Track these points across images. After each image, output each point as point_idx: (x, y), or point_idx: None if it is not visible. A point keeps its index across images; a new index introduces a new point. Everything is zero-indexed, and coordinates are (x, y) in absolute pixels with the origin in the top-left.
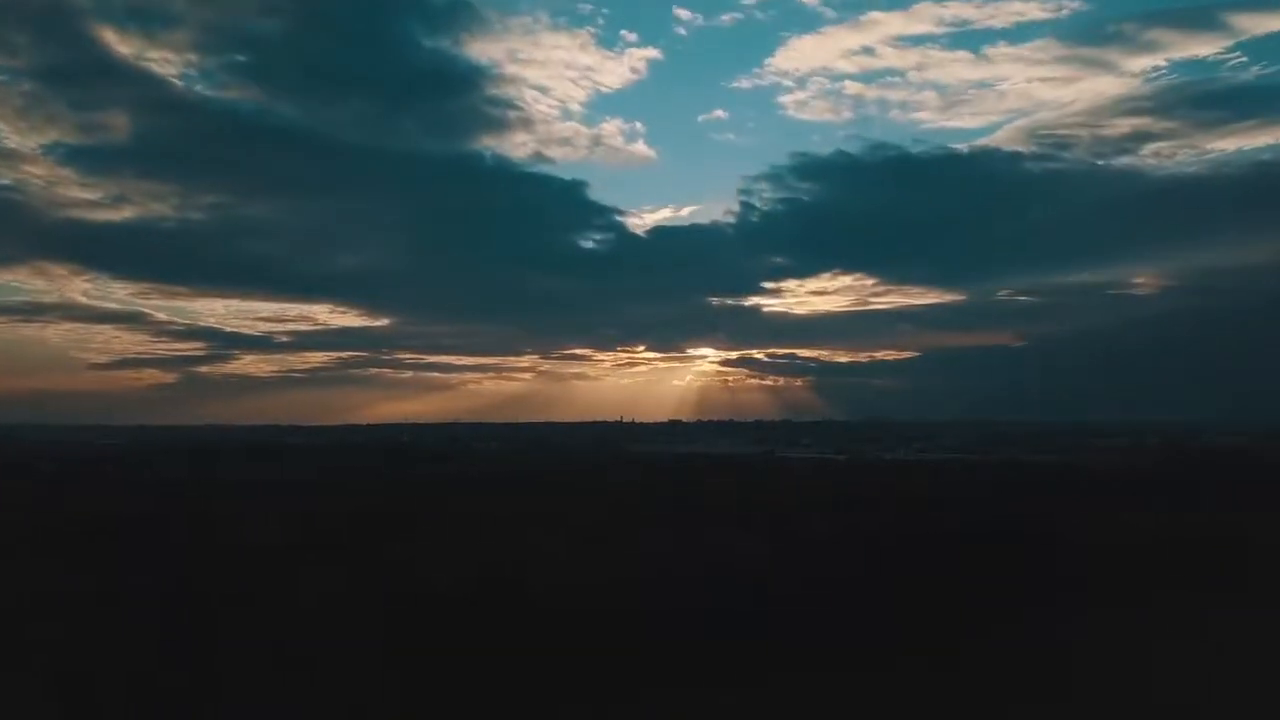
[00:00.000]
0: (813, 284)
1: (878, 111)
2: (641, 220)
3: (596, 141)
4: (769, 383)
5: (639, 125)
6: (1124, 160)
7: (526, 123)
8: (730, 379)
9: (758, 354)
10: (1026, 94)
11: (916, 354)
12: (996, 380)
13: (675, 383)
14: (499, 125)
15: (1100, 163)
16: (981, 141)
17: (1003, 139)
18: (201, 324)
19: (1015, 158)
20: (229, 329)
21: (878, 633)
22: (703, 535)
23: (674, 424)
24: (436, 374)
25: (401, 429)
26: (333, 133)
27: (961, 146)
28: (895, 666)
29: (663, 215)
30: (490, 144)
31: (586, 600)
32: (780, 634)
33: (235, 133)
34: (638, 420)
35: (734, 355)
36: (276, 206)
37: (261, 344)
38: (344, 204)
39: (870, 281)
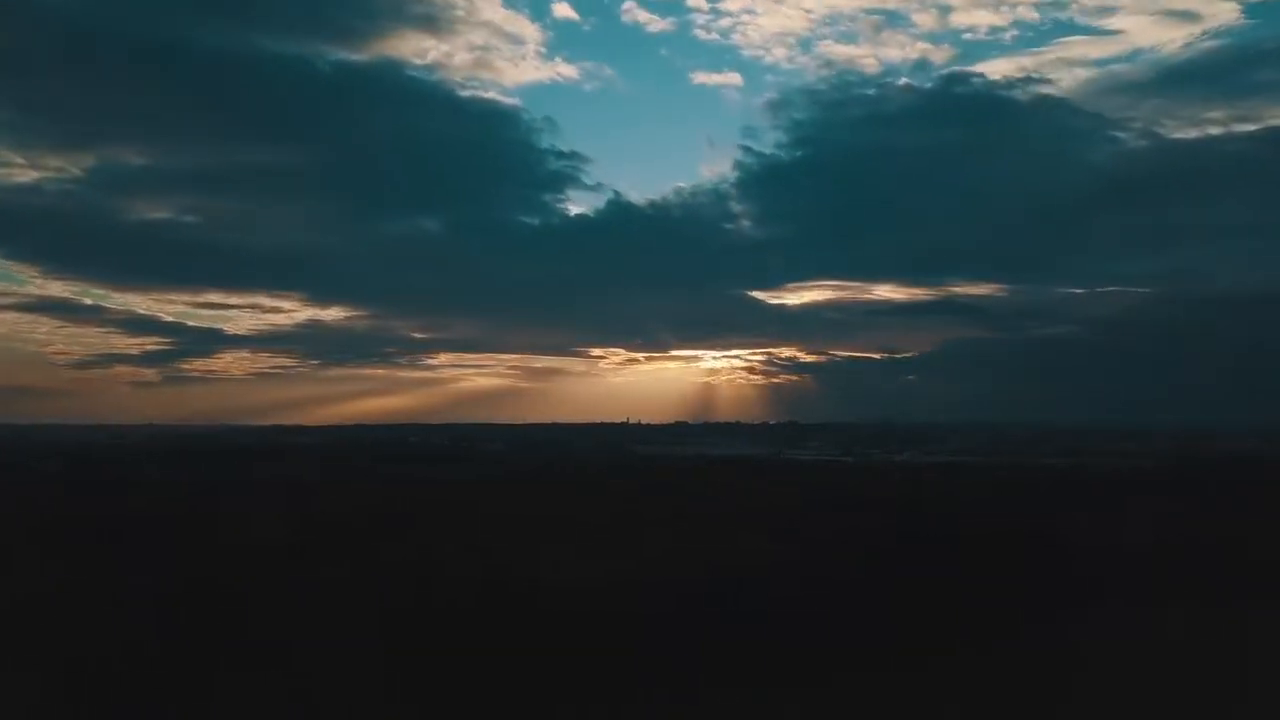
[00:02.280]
0: (828, 270)
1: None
2: (619, 177)
3: (546, 50)
4: (777, 381)
5: (588, 25)
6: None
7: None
8: (737, 378)
9: (766, 351)
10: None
11: (936, 351)
12: (1024, 380)
13: (681, 382)
14: (418, 19)
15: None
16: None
17: (1089, 87)
18: (141, 313)
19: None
20: (167, 317)
21: (879, 634)
22: (705, 536)
23: (680, 425)
24: (422, 373)
25: (393, 429)
26: (195, 36)
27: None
28: (896, 668)
29: (642, 165)
30: (411, 49)
31: (587, 601)
32: (781, 635)
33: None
34: (643, 421)
35: (742, 353)
36: (153, 152)
37: (213, 338)
38: (242, 149)
39: (899, 268)
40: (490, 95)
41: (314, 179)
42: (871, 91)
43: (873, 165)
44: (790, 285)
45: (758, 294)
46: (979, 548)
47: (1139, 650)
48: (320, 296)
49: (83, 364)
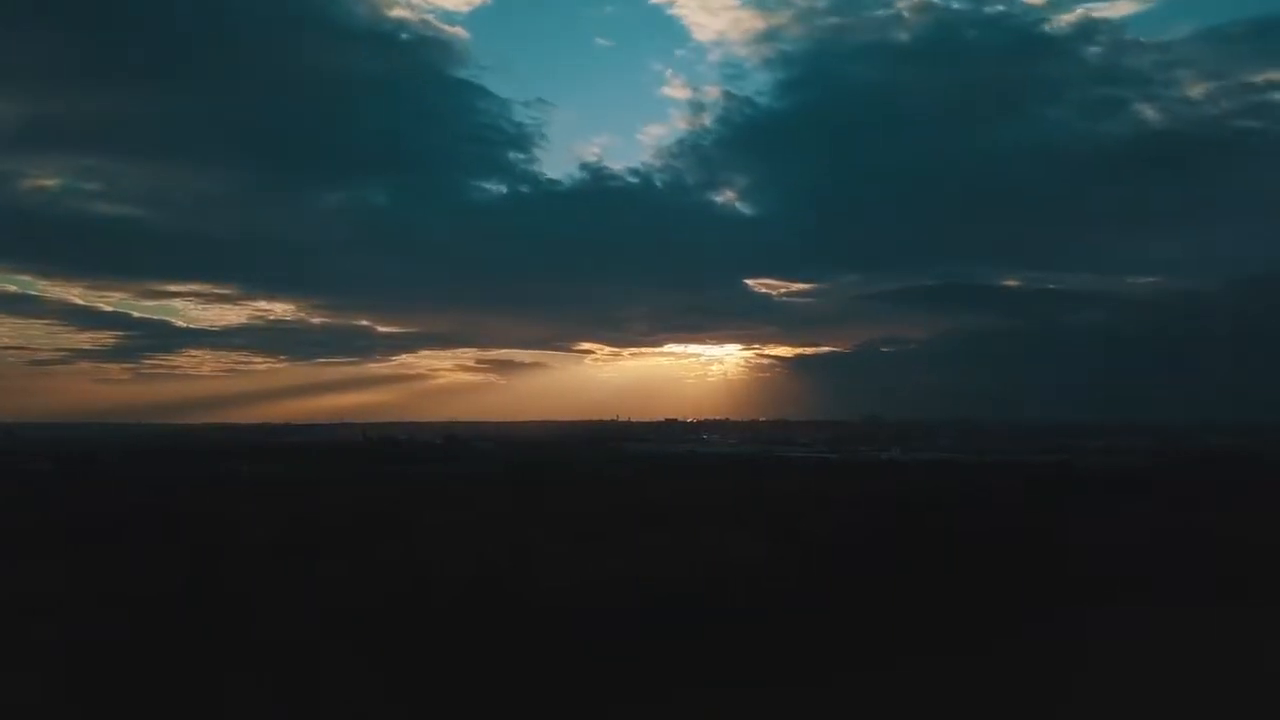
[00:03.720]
0: (818, 253)
1: None
2: (583, 126)
3: None
4: (768, 377)
5: None
6: None
7: None
8: (728, 374)
9: (757, 346)
10: None
11: (936, 347)
12: (1030, 376)
13: (671, 379)
14: None
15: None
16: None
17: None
18: (78, 303)
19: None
20: (106, 307)
21: (876, 633)
22: (699, 534)
23: (671, 423)
24: (392, 369)
25: (368, 428)
26: None
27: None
28: (893, 667)
29: (605, 108)
30: None
31: (582, 600)
32: (779, 634)
33: None
34: (632, 419)
35: (734, 347)
36: (21, 99)
37: (162, 331)
38: (132, 93)
39: (899, 250)
40: (425, 19)
41: (228, 133)
42: (880, 12)
43: (876, 116)
44: (781, 271)
45: (749, 282)
46: (974, 546)
47: (1138, 649)
48: (264, 287)
49: (39, 361)
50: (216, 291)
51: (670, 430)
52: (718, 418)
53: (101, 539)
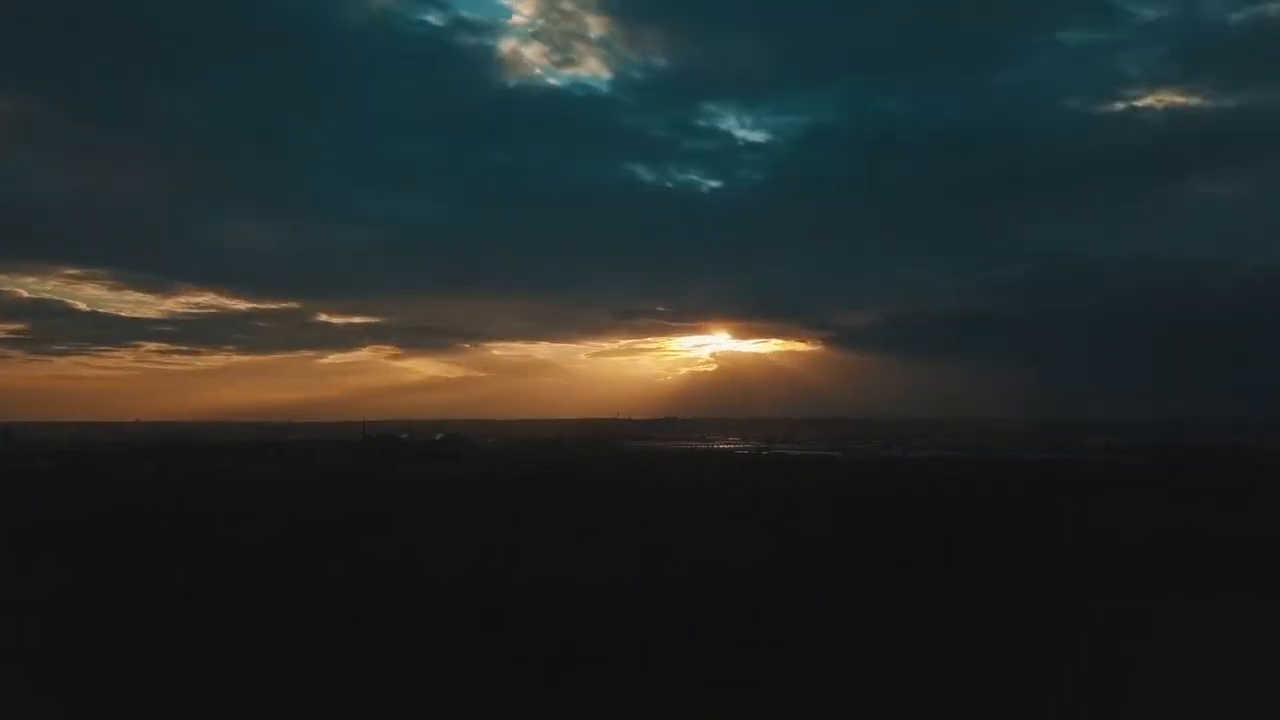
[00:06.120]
0: (819, 230)
1: None
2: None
3: None
4: (766, 374)
5: None
6: None
7: None
8: (725, 371)
9: (756, 340)
10: None
11: (938, 343)
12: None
13: (671, 374)
14: None
15: None
16: None
17: None
18: None
19: None
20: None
21: (877, 633)
22: (696, 532)
23: (670, 420)
24: (347, 361)
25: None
26: None
27: None
28: (892, 666)
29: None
30: None
31: (578, 599)
32: (777, 633)
33: None
34: (632, 417)
35: (733, 341)
36: None
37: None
38: None
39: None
40: None
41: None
42: None
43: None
44: (784, 255)
45: (748, 265)
46: (973, 544)
47: (1137, 647)
48: (179, 273)
49: None
50: (95, 273)
51: (669, 427)
52: (716, 416)
53: (94, 538)
